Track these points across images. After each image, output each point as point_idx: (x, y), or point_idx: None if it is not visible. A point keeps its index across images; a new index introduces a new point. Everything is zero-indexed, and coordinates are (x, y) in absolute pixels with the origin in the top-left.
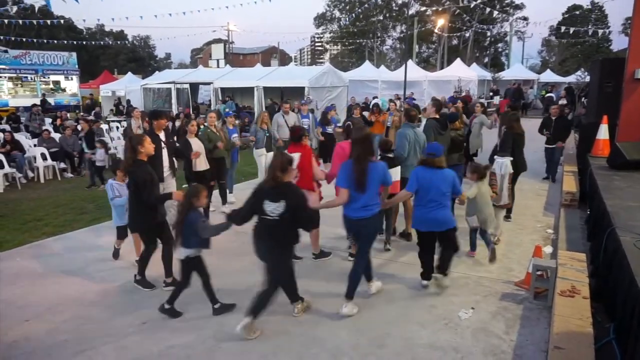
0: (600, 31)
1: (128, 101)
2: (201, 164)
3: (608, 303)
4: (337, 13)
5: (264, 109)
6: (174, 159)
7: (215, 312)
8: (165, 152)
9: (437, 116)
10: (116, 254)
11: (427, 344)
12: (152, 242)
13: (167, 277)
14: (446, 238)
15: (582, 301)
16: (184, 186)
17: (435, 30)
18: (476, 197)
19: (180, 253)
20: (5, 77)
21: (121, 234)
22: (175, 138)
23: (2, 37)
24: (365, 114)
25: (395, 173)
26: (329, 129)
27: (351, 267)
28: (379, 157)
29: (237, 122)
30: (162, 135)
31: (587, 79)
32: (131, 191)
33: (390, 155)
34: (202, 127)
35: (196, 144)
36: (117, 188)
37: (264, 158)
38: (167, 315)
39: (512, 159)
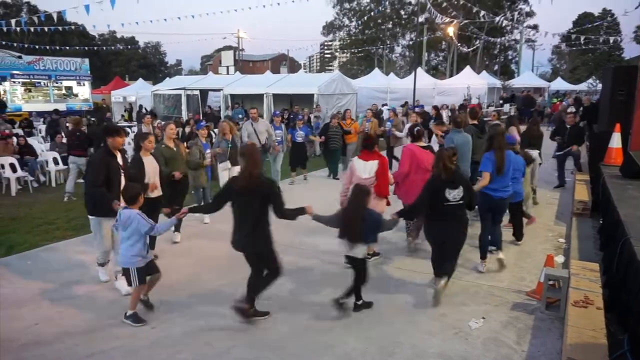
0: (612, 39)
1: (140, 106)
2: (153, 189)
3: (622, 314)
4: (346, 21)
5: (222, 118)
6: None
7: (355, 308)
8: (122, 177)
9: (476, 122)
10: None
11: (437, 353)
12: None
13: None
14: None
15: (595, 312)
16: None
17: (445, 39)
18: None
19: (359, 251)
20: (19, 82)
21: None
22: (185, 144)
23: (16, 44)
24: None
25: None
26: (299, 138)
27: (480, 233)
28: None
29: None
30: (118, 157)
31: (599, 87)
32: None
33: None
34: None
35: (150, 166)
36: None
37: (227, 173)
38: (361, 310)
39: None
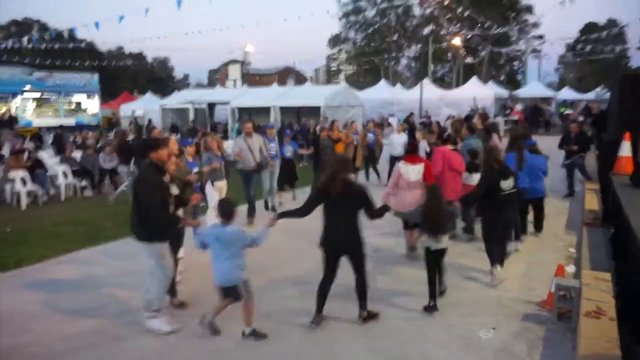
0: (618, 48)
1: (149, 120)
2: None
3: (636, 324)
4: (352, 33)
5: (231, 132)
6: None
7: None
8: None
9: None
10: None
11: None
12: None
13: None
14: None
15: (608, 323)
16: None
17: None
18: None
19: (444, 242)
20: (30, 98)
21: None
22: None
23: (27, 61)
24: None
25: (476, 178)
26: (288, 154)
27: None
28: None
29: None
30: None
31: (606, 95)
32: None
33: (477, 162)
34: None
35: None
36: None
37: (217, 194)
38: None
39: None
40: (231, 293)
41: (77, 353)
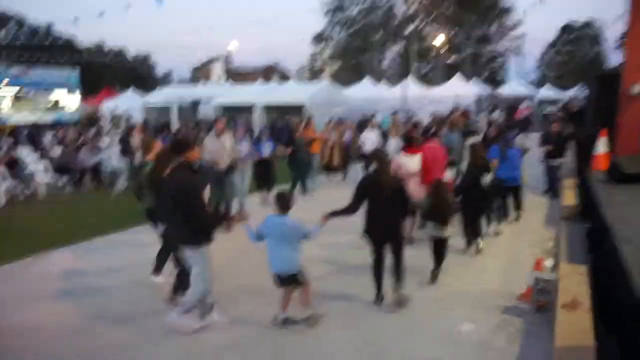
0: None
1: (127, 119)
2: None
3: (610, 316)
4: (337, 30)
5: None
6: None
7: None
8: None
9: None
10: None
11: (428, 358)
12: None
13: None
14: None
15: (584, 315)
16: None
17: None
18: None
19: (447, 232)
20: (8, 95)
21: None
22: None
23: (4, 55)
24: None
25: (449, 173)
26: (266, 153)
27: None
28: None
29: None
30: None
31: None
32: None
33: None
34: None
35: None
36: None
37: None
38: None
39: None
40: (293, 280)
41: (58, 352)
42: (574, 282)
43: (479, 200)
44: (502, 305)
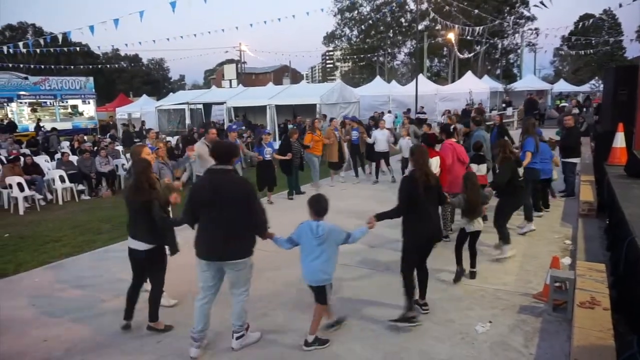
0: (612, 40)
1: (143, 122)
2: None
3: (630, 314)
4: (347, 30)
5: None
6: None
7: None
8: None
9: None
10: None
11: (445, 359)
12: None
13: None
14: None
15: (602, 313)
16: None
17: (446, 45)
18: None
19: (479, 225)
20: (26, 103)
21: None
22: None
23: (22, 65)
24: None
25: (484, 168)
26: (268, 156)
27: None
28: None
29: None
30: None
31: (601, 87)
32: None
33: (481, 153)
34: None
35: None
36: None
37: None
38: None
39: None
40: (319, 293)
41: (76, 357)
42: (592, 280)
43: (515, 195)
44: (519, 304)
